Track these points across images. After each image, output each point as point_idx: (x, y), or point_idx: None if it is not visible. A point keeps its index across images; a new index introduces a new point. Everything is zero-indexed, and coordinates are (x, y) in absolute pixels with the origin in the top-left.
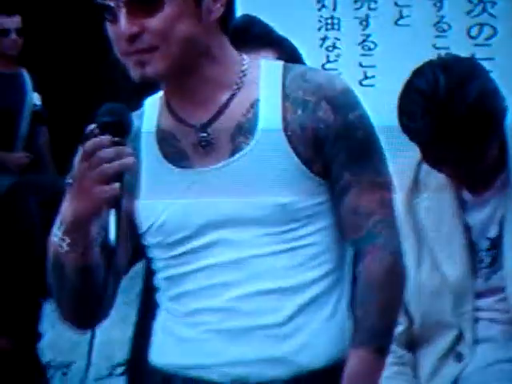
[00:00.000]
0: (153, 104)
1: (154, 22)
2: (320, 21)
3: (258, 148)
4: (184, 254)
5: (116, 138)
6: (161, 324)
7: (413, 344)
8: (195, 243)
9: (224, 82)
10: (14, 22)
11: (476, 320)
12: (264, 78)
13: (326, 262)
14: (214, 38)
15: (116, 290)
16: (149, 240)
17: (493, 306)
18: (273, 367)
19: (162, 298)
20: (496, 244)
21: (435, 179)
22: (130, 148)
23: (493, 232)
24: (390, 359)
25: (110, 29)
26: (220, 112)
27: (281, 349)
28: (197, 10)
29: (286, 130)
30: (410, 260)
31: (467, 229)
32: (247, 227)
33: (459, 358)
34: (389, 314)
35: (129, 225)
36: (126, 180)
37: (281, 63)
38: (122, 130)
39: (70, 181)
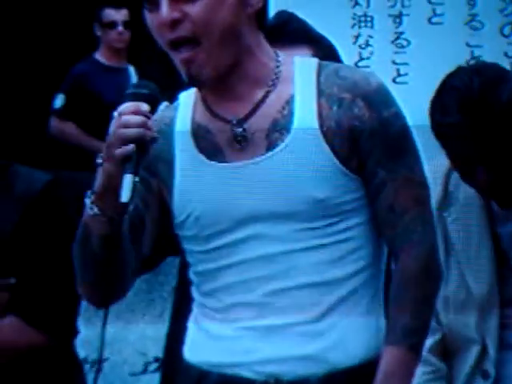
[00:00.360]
0: (188, 98)
1: (196, 9)
2: (353, 18)
3: (293, 144)
4: (219, 248)
5: (145, 107)
6: (195, 320)
7: (446, 354)
8: (230, 237)
9: (260, 79)
10: (121, 14)
11: (504, 327)
12: (298, 74)
13: (361, 257)
14: (252, 34)
15: (137, 270)
16: (184, 232)
17: None
18: (306, 365)
19: (195, 292)
20: None
21: (464, 192)
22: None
23: None
24: (427, 369)
25: (150, 18)
26: (256, 108)
27: (314, 346)
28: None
29: (321, 126)
30: None
31: (497, 238)
32: (283, 222)
33: (485, 375)
34: (423, 311)
35: (161, 212)
36: (161, 169)
37: (315, 60)
38: (152, 103)
39: (100, 160)
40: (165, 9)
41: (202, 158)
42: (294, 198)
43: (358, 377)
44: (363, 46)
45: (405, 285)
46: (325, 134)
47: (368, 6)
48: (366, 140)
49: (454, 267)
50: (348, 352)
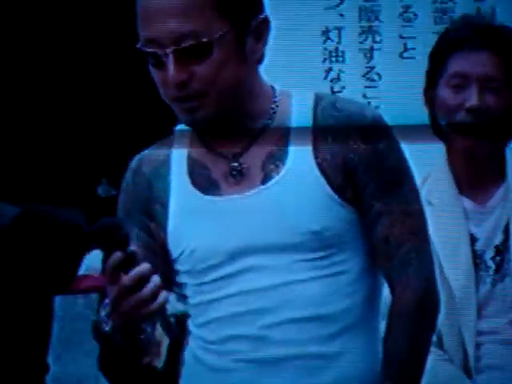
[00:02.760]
0: (183, 132)
1: (203, 69)
2: (324, 53)
3: (289, 176)
4: (214, 280)
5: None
6: (191, 352)
7: None
8: (226, 270)
9: (257, 113)
10: None
11: (478, 344)
12: (295, 107)
13: (359, 289)
14: (254, 75)
15: None
16: (179, 267)
17: (500, 326)
18: None
19: (191, 324)
20: (500, 251)
21: (438, 198)
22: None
23: (497, 240)
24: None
25: (156, 73)
26: (252, 142)
27: (312, 381)
28: (242, 52)
29: (316, 157)
30: None
31: (472, 238)
32: (279, 254)
33: (469, 373)
34: (420, 346)
35: (164, 254)
36: (157, 210)
37: (312, 92)
38: (125, 240)
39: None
40: (172, 70)
41: (197, 192)
42: (290, 230)
43: None
44: (335, 80)
45: (401, 319)
46: (320, 165)
47: (339, 41)
48: (361, 173)
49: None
50: None
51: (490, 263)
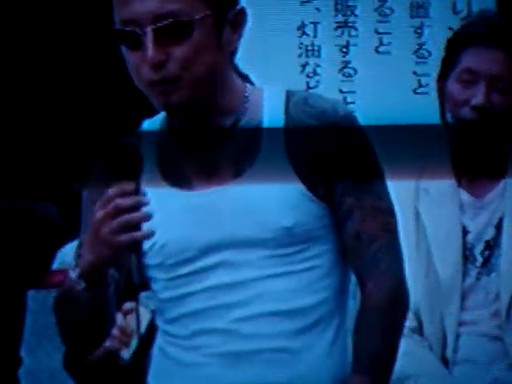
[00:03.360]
0: (152, 125)
1: (181, 50)
2: (300, 47)
3: (260, 171)
4: (184, 275)
5: (132, 185)
6: (159, 347)
7: None
8: (197, 265)
9: (229, 108)
10: None
11: (458, 335)
12: (267, 102)
13: (329, 285)
14: (228, 67)
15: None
16: (149, 261)
17: (481, 318)
18: None
19: (159, 319)
20: (490, 246)
21: (436, 187)
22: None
23: (489, 234)
24: (415, 339)
25: (132, 56)
26: (224, 136)
27: (283, 374)
28: (218, 40)
29: (288, 153)
30: (408, 258)
31: (464, 230)
32: (250, 249)
33: (447, 363)
34: (390, 341)
35: None
36: None
37: (283, 89)
38: (136, 172)
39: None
40: (151, 50)
41: (168, 186)
42: (261, 226)
43: None
44: (311, 74)
45: (372, 314)
46: (292, 161)
47: (315, 35)
48: (332, 168)
49: (423, 253)
50: (316, 380)
51: (478, 257)
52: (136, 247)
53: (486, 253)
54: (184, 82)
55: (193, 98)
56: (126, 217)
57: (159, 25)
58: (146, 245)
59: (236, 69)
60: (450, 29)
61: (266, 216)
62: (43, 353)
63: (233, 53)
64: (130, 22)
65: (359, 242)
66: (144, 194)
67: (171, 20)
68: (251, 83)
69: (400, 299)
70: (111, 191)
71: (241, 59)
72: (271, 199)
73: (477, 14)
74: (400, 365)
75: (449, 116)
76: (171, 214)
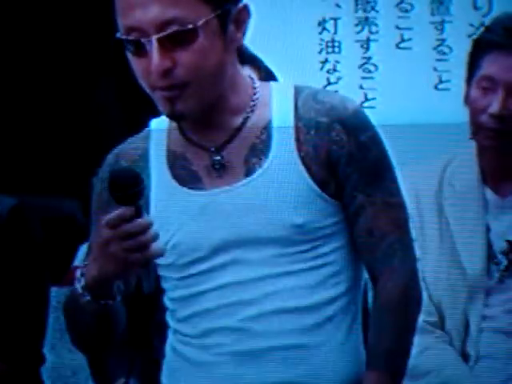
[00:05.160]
0: (161, 125)
1: (188, 56)
2: (321, 44)
3: (271, 169)
4: (195, 275)
5: (136, 206)
6: (171, 346)
7: None
8: (208, 264)
9: (238, 106)
10: None
11: (481, 330)
12: (276, 99)
13: (341, 281)
14: (234, 65)
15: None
16: (160, 261)
17: (501, 315)
18: None
19: (170, 319)
20: None
21: (460, 180)
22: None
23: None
24: (433, 335)
25: (137, 62)
26: (234, 135)
27: (296, 372)
28: (223, 40)
29: (299, 150)
30: (431, 253)
31: (487, 229)
32: (262, 247)
33: (467, 358)
34: (404, 336)
35: None
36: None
37: (291, 85)
38: (136, 197)
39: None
40: (156, 58)
41: (178, 186)
42: (273, 224)
43: None
44: (331, 71)
45: (386, 310)
46: (302, 158)
47: (335, 31)
48: (343, 165)
49: (447, 249)
50: (329, 376)
51: (502, 258)
52: (147, 264)
53: (511, 255)
54: (192, 88)
55: (200, 103)
56: (135, 241)
57: (163, 33)
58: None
59: (256, 63)
60: (471, 25)
61: (277, 214)
62: (65, 349)
63: (239, 49)
64: (134, 29)
65: (371, 238)
66: (146, 214)
67: (175, 29)
68: (275, 79)
69: (413, 295)
70: (116, 215)
71: (261, 56)
72: (282, 198)
73: (496, 18)
74: (421, 360)
75: (471, 121)
76: (183, 214)
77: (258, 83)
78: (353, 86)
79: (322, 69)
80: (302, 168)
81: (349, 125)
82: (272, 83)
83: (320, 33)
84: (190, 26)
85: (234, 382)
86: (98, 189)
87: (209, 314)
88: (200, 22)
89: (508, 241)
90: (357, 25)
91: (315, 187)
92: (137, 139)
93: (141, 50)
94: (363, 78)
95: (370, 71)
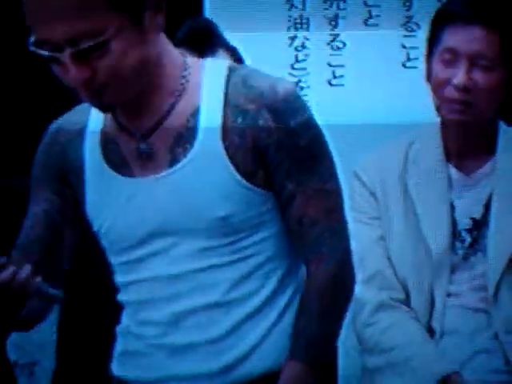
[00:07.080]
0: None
1: (105, 62)
2: (289, 20)
3: (195, 160)
4: (126, 263)
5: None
6: (121, 330)
7: None
8: (137, 253)
9: (167, 89)
10: None
11: (447, 306)
12: (207, 81)
13: (271, 270)
14: (161, 47)
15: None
16: (101, 241)
17: (466, 292)
18: (211, 381)
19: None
20: (478, 225)
21: (424, 160)
22: None
23: (476, 213)
24: (401, 310)
25: (54, 67)
26: (161, 121)
27: (220, 362)
28: (141, 35)
29: (224, 139)
30: (396, 231)
31: (452, 207)
32: (186, 240)
33: (432, 333)
34: (329, 325)
35: (79, 221)
36: (72, 180)
37: (226, 64)
38: None
39: None
40: (73, 70)
41: (110, 170)
42: (197, 216)
43: None
44: (299, 48)
45: (314, 297)
46: (227, 148)
47: (304, 8)
48: (272, 153)
49: (412, 227)
50: (253, 364)
51: (466, 235)
52: (21, 294)
53: (475, 233)
54: (115, 86)
55: (126, 96)
56: None
57: (76, 48)
58: (94, 226)
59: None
60: (439, 1)
61: (201, 206)
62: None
63: (161, 29)
64: (46, 42)
65: (301, 226)
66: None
67: (87, 43)
68: (240, 58)
69: (342, 284)
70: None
71: (228, 34)
72: (205, 189)
73: None
74: (387, 336)
75: (434, 96)
76: (113, 200)
77: (190, 63)
78: (321, 63)
79: (290, 45)
80: (225, 158)
81: (278, 111)
82: (207, 62)
83: (288, 9)
84: (102, 39)
85: (164, 373)
86: (38, 159)
87: (139, 305)
88: (111, 31)
89: (472, 218)
90: (325, 1)
91: (240, 178)
92: (82, 108)
93: (56, 60)
94: (331, 55)
95: (338, 48)
